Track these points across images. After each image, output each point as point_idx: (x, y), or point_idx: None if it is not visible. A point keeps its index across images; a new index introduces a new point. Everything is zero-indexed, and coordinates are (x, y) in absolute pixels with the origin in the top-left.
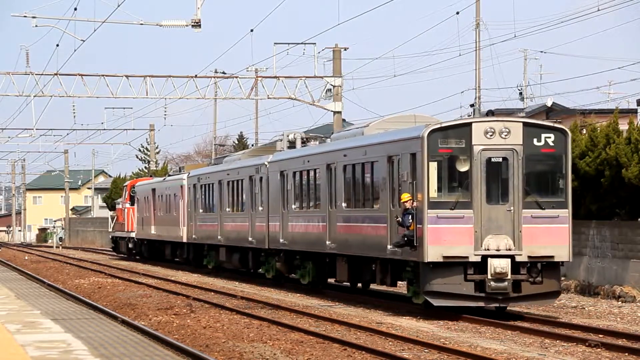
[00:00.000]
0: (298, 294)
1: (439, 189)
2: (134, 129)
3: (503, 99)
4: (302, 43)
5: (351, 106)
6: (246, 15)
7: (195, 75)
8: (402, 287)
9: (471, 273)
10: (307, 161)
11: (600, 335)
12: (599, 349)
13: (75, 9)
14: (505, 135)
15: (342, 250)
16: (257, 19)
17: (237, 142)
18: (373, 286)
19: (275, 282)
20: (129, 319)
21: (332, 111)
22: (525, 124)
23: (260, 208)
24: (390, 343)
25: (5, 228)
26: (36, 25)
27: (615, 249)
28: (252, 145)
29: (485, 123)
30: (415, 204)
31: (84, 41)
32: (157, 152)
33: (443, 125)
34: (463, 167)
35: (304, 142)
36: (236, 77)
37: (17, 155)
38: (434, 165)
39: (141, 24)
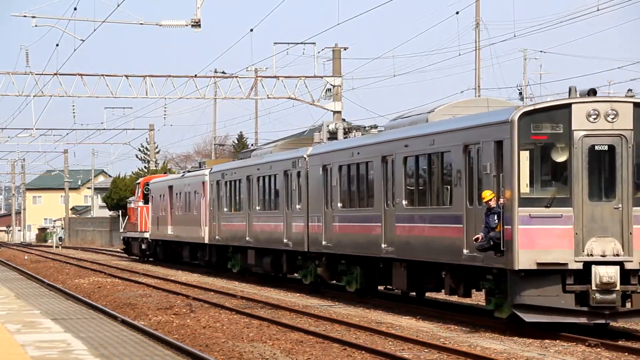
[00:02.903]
0: (298, 294)
1: (532, 183)
2: (133, 129)
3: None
4: (302, 43)
5: (351, 106)
6: (246, 15)
7: (195, 75)
8: (477, 297)
9: (571, 283)
10: (356, 153)
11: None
12: (599, 349)
13: (75, 9)
14: (612, 119)
15: (402, 254)
16: (257, 18)
17: (237, 142)
18: (430, 295)
19: (314, 289)
20: (129, 318)
21: (331, 111)
22: (636, 105)
23: (297, 206)
24: (390, 343)
25: (5, 228)
26: (36, 25)
27: None
28: (252, 145)
29: (588, 104)
30: (501, 201)
31: (83, 41)
32: (157, 152)
33: (537, 107)
34: (561, 157)
35: (346, 132)
36: (236, 77)
37: (17, 155)
38: (525, 155)
39: (141, 24)
